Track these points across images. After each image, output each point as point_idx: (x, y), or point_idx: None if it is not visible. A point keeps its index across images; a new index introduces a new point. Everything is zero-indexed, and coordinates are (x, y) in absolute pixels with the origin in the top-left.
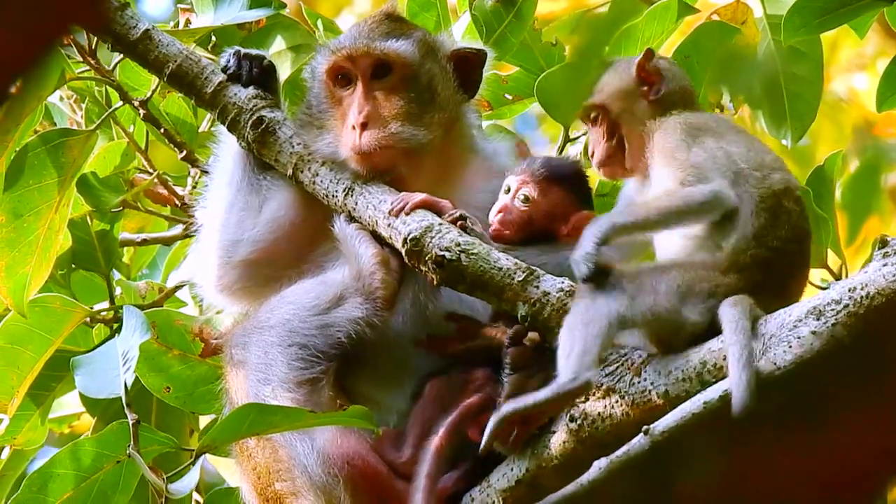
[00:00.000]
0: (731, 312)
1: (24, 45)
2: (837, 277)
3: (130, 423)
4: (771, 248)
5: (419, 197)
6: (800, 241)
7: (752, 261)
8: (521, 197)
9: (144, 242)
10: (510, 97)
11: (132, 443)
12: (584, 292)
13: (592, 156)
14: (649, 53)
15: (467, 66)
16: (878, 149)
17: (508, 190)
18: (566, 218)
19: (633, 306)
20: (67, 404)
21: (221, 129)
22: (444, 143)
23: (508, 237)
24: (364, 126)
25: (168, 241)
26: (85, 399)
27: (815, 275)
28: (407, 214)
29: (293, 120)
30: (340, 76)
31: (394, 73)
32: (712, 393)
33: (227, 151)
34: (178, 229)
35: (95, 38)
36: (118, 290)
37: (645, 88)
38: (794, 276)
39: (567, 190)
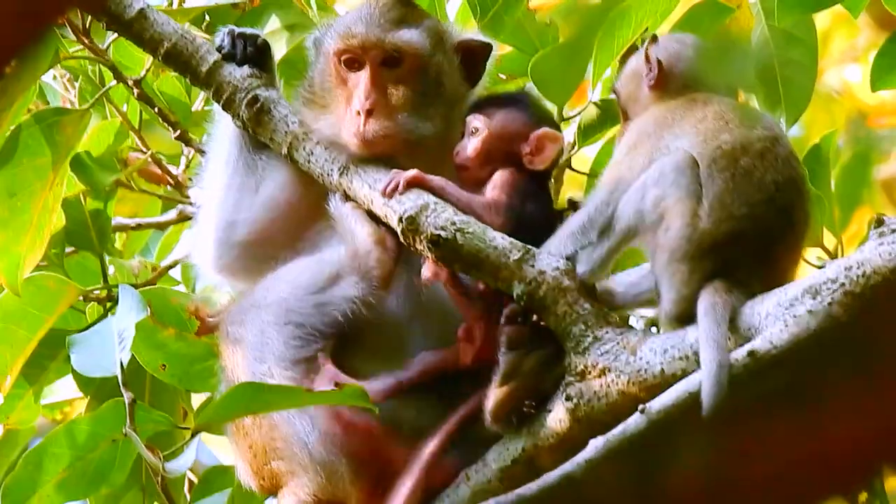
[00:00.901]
0: (704, 303)
1: (21, 25)
2: (833, 256)
3: (127, 402)
4: (740, 215)
5: (410, 174)
6: (775, 201)
7: (725, 237)
8: (472, 129)
9: (139, 227)
10: (504, 76)
11: (129, 422)
12: None
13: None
14: (653, 38)
15: (472, 58)
16: (869, 139)
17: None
18: (525, 137)
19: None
20: (60, 390)
21: (217, 108)
22: (446, 133)
23: (471, 173)
24: (369, 113)
25: (162, 226)
26: (78, 378)
27: (811, 254)
28: (401, 194)
29: (295, 95)
30: (349, 59)
31: (404, 63)
32: None
33: (222, 131)
34: (172, 214)
35: (90, 17)
36: (111, 269)
37: (648, 71)
38: (783, 242)
39: (516, 111)
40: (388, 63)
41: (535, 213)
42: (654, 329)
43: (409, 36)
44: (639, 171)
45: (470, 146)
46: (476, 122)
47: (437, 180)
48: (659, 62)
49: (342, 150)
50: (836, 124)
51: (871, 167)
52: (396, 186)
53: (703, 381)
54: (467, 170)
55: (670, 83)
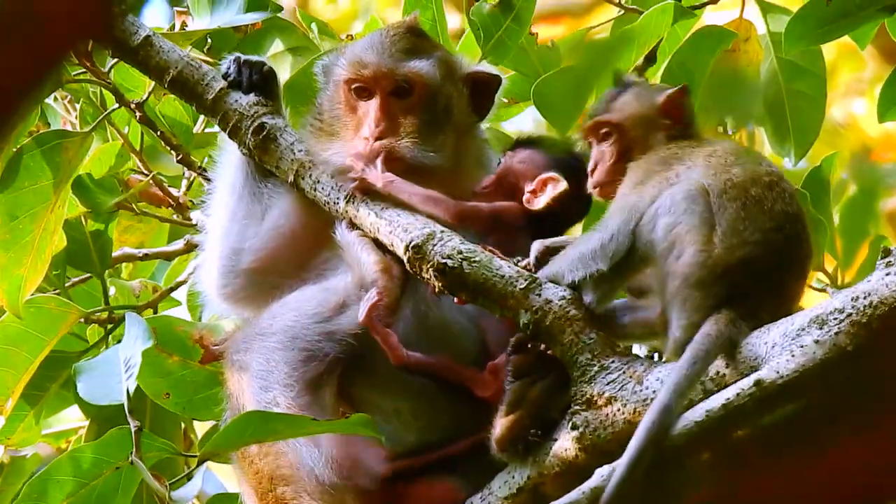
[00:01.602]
0: (700, 332)
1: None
2: (833, 280)
3: (133, 429)
4: (752, 241)
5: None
6: (784, 230)
7: (739, 263)
8: (499, 161)
9: (146, 257)
10: (507, 101)
11: (134, 450)
12: None
13: (593, 172)
14: (686, 89)
15: (481, 89)
16: (875, 173)
17: None
18: (534, 178)
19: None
20: (66, 419)
21: (223, 135)
22: (454, 163)
23: (481, 199)
24: (378, 139)
25: (169, 256)
26: (82, 402)
27: (811, 278)
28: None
29: (302, 123)
30: (359, 88)
31: (414, 93)
32: (714, 402)
33: (228, 159)
34: (179, 244)
35: (92, 41)
36: (112, 291)
37: (668, 122)
38: (790, 272)
39: (539, 153)
40: (397, 93)
41: (491, 243)
42: (655, 358)
43: (420, 66)
44: (649, 201)
45: (495, 173)
46: (504, 156)
47: (381, 183)
48: (681, 112)
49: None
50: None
51: (877, 201)
52: (358, 188)
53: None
54: (479, 196)
55: (686, 131)
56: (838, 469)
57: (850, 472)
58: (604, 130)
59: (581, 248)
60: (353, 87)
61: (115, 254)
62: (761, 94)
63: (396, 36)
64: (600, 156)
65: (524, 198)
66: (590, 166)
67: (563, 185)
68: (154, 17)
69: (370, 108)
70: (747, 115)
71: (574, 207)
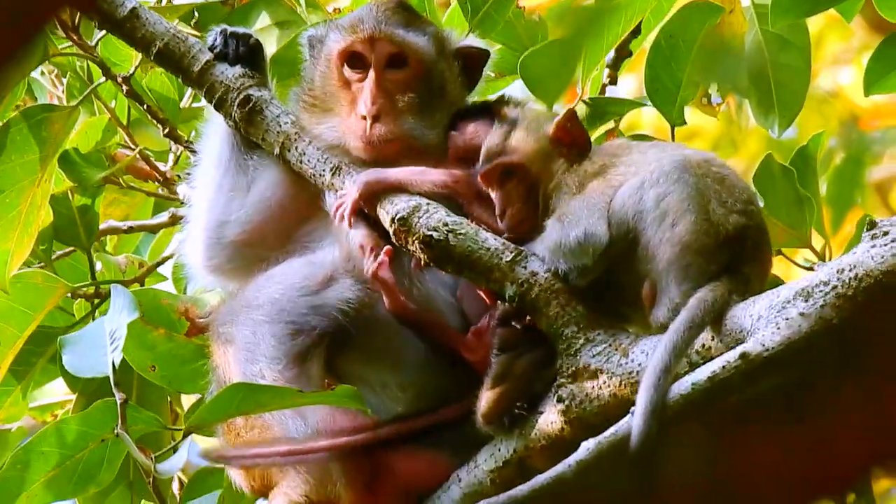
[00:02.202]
0: (692, 301)
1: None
2: (821, 258)
3: (118, 402)
4: (738, 211)
5: (352, 201)
6: (754, 203)
7: (735, 231)
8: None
9: (130, 230)
10: (493, 74)
11: (120, 422)
12: None
13: (502, 216)
14: (572, 114)
15: (470, 64)
16: (862, 141)
17: None
18: None
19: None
20: (51, 392)
21: (209, 107)
22: (446, 138)
23: None
24: (376, 118)
25: (154, 229)
26: (67, 376)
27: (799, 255)
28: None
29: (292, 97)
30: (353, 59)
31: (409, 66)
32: (700, 374)
33: (214, 130)
34: (163, 217)
35: (79, 14)
36: (99, 266)
37: (563, 148)
38: (768, 246)
39: (481, 122)
40: (393, 63)
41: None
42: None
43: (415, 39)
44: (604, 197)
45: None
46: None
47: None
48: (574, 136)
49: (345, 153)
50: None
51: (864, 170)
52: (343, 215)
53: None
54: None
55: (585, 152)
56: (825, 441)
57: (836, 443)
58: (504, 172)
59: (561, 238)
60: (348, 57)
61: (100, 227)
62: (745, 63)
63: (389, 10)
64: (506, 198)
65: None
66: (497, 210)
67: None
68: None
69: (365, 84)
70: (732, 84)
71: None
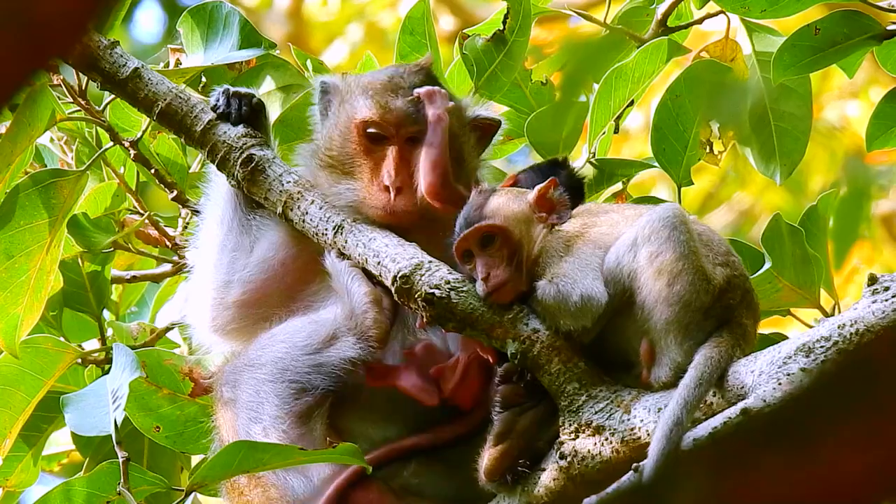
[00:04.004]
0: (699, 359)
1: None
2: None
3: (121, 460)
4: (723, 263)
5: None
6: (732, 254)
7: (726, 282)
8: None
9: (134, 279)
10: (502, 138)
11: (123, 480)
12: None
13: (486, 280)
14: (554, 182)
15: (482, 133)
16: (868, 175)
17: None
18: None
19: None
20: (57, 442)
21: (211, 167)
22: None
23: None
24: (399, 190)
25: (157, 279)
26: (76, 439)
27: (808, 315)
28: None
29: (308, 152)
30: (375, 133)
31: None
32: (701, 430)
33: (217, 190)
34: (167, 266)
35: (86, 78)
36: (109, 332)
37: (543, 214)
38: (755, 296)
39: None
40: (416, 139)
41: None
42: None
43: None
44: (595, 258)
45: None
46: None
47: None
48: (555, 204)
49: (362, 215)
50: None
51: (869, 203)
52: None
53: (650, 447)
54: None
55: (565, 219)
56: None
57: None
58: (485, 237)
59: (557, 303)
60: (369, 130)
61: None
62: (748, 99)
63: (415, 83)
64: (489, 262)
65: None
66: (480, 274)
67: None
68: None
69: (388, 155)
70: (736, 123)
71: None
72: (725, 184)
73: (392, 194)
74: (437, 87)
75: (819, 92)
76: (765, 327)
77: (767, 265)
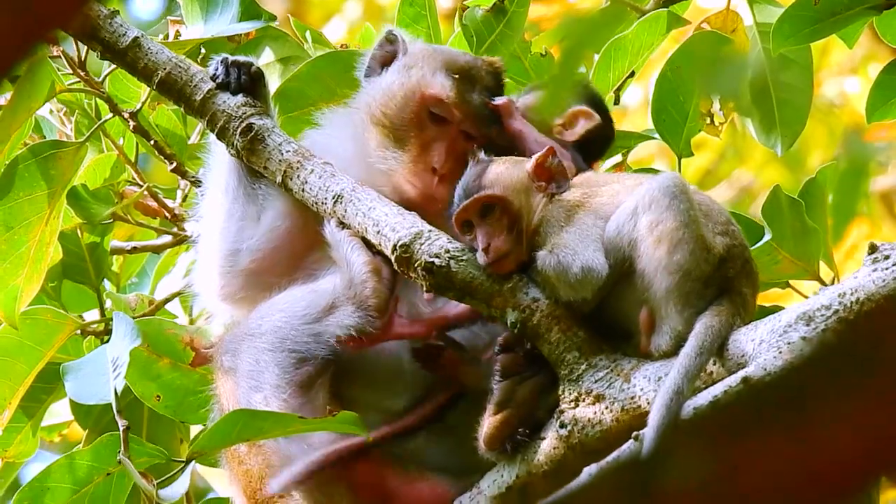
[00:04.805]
0: (700, 323)
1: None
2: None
3: (121, 429)
4: (723, 233)
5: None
6: (732, 223)
7: (727, 253)
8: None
9: (134, 250)
10: None
11: (123, 448)
12: None
13: (486, 251)
14: (552, 151)
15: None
16: (866, 151)
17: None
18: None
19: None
20: (57, 413)
21: (212, 138)
22: None
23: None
24: (443, 177)
25: (158, 250)
26: (76, 409)
27: (807, 286)
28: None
29: (356, 102)
30: (438, 113)
31: (478, 140)
32: (702, 399)
33: (219, 160)
34: (167, 237)
35: (85, 50)
36: (108, 303)
37: (542, 184)
38: (752, 260)
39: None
40: (469, 136)
41: None
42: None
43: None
44: (596, 229)
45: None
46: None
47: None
48: (554, 172)
49: (395, 187)
50: (833, 137)
51: (868, 179)
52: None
53: (650, 416)
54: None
55: (564, 188)
56: (827, 454)
57: (839, 456)
58: (484, 206)
59: (557, 273)
60: (435, 109)
61: None
62: (748, 73)
63: (490, 83)
64: (489, 232)
65: (555, 130)
66: (480, 245)
67: (592, 115)
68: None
69: (442, 139)
70: (735, 102)
71: (602, 140)
72: (724, 160)
73: (436, 180)
74: (512, 100)
75: (818, 68)
76: (764, 301)
77: (767, 237)
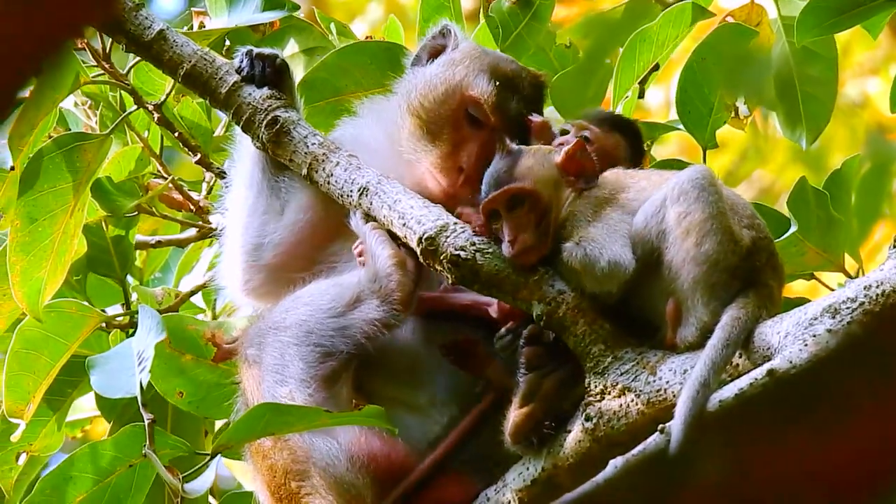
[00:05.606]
0: (727, 315)
1: (36, 44)
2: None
3: (146, 422)
4: (750, 225)
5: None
6: (757, 216)
7: (753, 243)
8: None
9: (159, 244)
10: None
11: (147, 442)
12: None
13: (513, 243)
14: (581, 144)
15: None
16: (889, 151)
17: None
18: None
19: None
20: (81, 408)
21: (237, 130)
22: None
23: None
24: (468, 178)
25: (182, 244)
26: (101, 402)
27: (832, 279)
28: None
29: (396, 90)
30: (475, 117)
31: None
32: (727, 392)
33: (244, 153)
34: (191, 231)
35: (110, 42)
36: (134, 296)
37: (571, 178)
38: (777, 253)
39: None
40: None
41: None
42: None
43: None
44: (624, 224)
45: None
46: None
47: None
48: (583, 165)
49: (418, 181)
50: (856, 138)
51: (891, 180)
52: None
53: (676, 409)
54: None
55: (593, 181)
56: (846, 453)
57: (858, 456)
58: (513, 198)
59: (583, 266)
60: (472, 110)
61: None
62: (772, 70)
63: (528, 87)
64: (517, 225)
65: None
66: (507, 236)
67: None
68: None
69: (475, 142)
70: (759, 96)
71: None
72: (745, 160)
73: (461, 179)
74: (549, 123)
75: (839, 69)
76: (789, 293)
77: (793, 228)
